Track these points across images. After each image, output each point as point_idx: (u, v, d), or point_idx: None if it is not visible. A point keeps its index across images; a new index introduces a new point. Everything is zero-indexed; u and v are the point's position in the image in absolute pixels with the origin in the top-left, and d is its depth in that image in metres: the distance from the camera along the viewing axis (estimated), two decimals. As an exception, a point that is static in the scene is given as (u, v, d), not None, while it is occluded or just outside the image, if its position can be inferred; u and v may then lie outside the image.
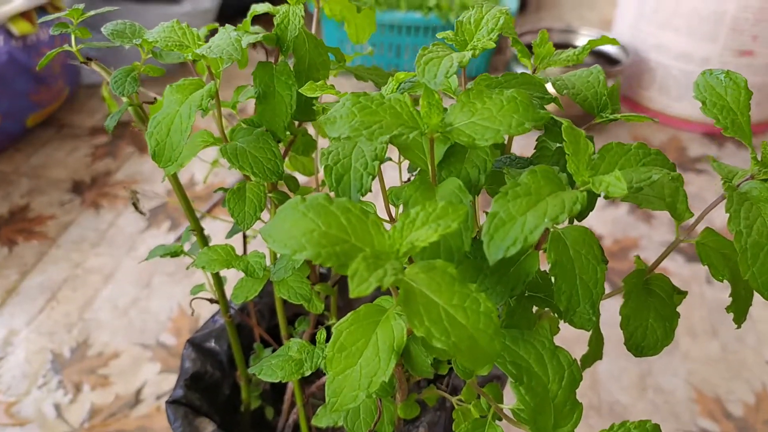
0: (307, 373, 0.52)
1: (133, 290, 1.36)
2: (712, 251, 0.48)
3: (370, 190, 0.43)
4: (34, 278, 1.38)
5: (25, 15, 1.56)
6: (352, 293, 0.35)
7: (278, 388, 0.82)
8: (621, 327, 0.49)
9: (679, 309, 0.51)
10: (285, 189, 0.66)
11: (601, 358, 0.56)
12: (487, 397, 0.50)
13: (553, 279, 0.42)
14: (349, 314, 0.43)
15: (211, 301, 0.69)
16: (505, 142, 0.50)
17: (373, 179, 0.43)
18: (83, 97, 1.95)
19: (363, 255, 0.36)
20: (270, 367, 0.52)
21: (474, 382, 0.51)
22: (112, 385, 1.17)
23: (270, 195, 0.62)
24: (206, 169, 1.67)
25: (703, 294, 1.39)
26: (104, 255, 1.43)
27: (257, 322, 0.81)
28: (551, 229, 0.42)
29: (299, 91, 0.48)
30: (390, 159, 0.68)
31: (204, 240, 0.65)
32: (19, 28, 1.55)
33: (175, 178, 0.58)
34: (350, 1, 0.63)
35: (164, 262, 1.41)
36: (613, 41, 0.56)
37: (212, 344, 0.81)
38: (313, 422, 0.64)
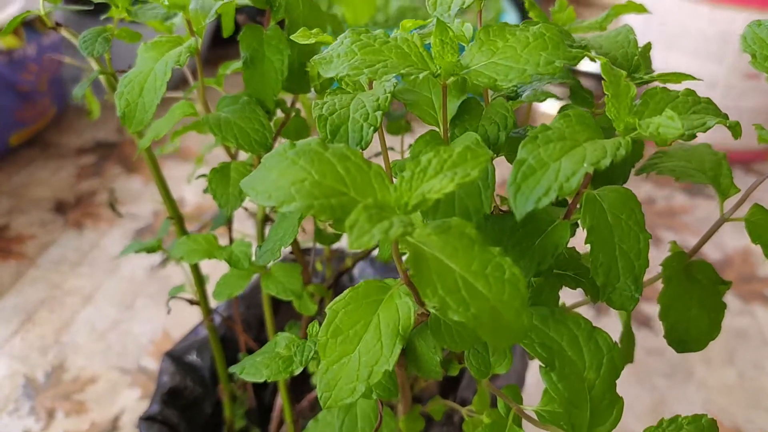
0: (297, 371, 0.45)
1: (113, 312, 1.28)
2: (763, 228, 0.42)
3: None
4: (9, 299, 1.30)
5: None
6: (351, 245, 0.28)
7: (265, 408, 0.74)
8: (660, 318, 0.43)
9: None
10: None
11: (632, 361, 0.49)
12: (505, 398, 0.43)
13: (588, 251, 0.36)
14: (346, 292, 0.37)
15: (192, 302, 0.62)
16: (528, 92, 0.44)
17: (374, 131, 0.36)
18: (71, 118, 1.89)
19: (364, 205, 0.30)
20: (254, 366, 0.45)
21: (489, 383, 0.44)
22: (88, 412, 1.09)
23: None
24: (197, 191, 1.60)
25: (716, 319, 1.32)
26: (85, 276, 1.36)
27: (243, 334, 0.74)
28: (585, 191, 0.36)
29: (292, 38, 0.42)
30: (392, 149, 0.62)
31: (183, 230, 0.58)
32: (5, 42, 1.50)
33: (150, 155, 0.52)
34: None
35: (148, 284, 1.34)
36: (641, 8, 0.51)
37: (193, 357, 0.74)
38: (303, 438, 0.57)
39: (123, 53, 0.62)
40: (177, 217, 0.56)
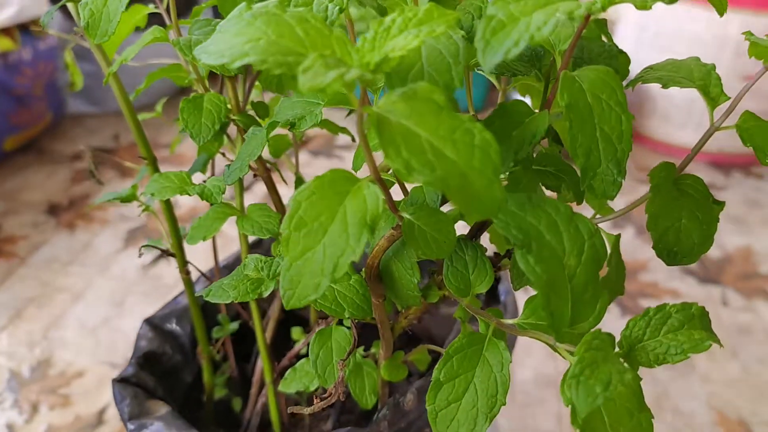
0: (266, 292, 0.42)
1: (104, 309, 1.25)
2: (755, 132, 0.40)
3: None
4: (-3, 296, 1.28)
5: (6, 32, 1.52)
6: (302, 86, 0.26)
7: (248, 379, 0.71)
8: (648, 227, 0.40)
9: None
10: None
11: (622, 293, 0.47)
12: (486, 315, 0.40)
13: (568, 135, 0.34)
14: (310, 181, 0.34)
15: (167, 252, 0.59)
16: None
17: (341, 12, 0.35)
18: (67, 126, 1.89)
19: (320, 53, 0.28)
20: (220, 288, 0.43)
21: (471, 305, 0.42)
22: (73, 405, 1.06)
23: (234, 117, 0.53)
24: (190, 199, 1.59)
25: (719, 316, 1.29)
26: (76, 275, 1.34)
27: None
28: (563, 72, 0.34)
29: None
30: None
31: (156, 169, 0.56)
32: (0, 44, 1.50)
33: (117, 82, 0.50)
34: None
35: (139, 283, 1.31)
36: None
37: (173, 325, 0.71)
38: (281, 388, 0.54)
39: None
40: (150, 157, 0.54)
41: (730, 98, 0.43)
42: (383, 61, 0.30)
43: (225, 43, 0.30)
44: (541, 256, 0.32)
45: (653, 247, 0.40)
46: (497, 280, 0.71)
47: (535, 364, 1.15)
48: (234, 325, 0.65)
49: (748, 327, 1.25)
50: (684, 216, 0.40)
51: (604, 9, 0.29)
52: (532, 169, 0.37)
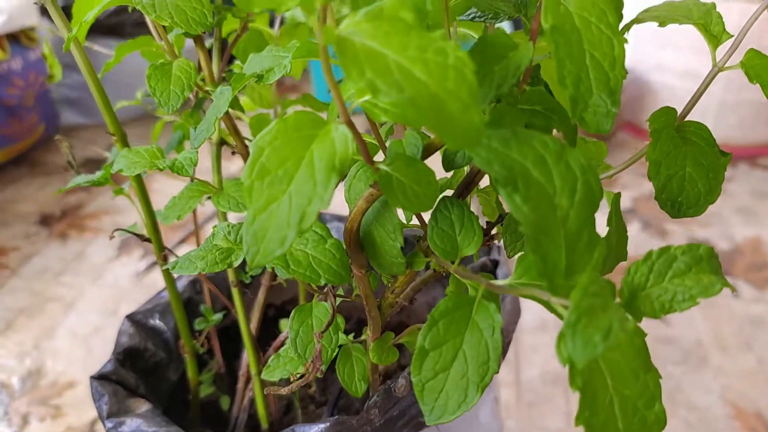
0: (237, 261, 0.39)
1: (96, 319, 1.22)
2: (762, 69, 0.37)
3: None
4: (-13, 308, 1.24)
5: (-5, 41, 1.50)
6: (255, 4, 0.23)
7: (234, 372, 0.68)
8: (649, 176, 0.37)
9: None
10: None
11: (625, 259, 0.43)
12: (476, 278, 0.37)
13: (553, 59, 0.30)
14: (273, 123, 0.31)
15: (142, 238, 0.56)
16: None
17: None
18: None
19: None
20: (188, 259, 0.39)
21: (459, 270, 0.38)
22: (65, 416, 1.03)
23: (208, 88, 0.50)
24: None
25: (731, 307, 1.24)
26: (68, 284, 1.31)
27: (210, 292, 0.68)
28: (547, -6, 0.31)
29: None
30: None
31: (126, 146, 0.53)
32: (-11, 55, 1.49)
33: (79, 49, 0.47)
34: None
35: (133, 291, 1.28)
36: None
37: (156, 321, 0.68)
38: (264, 375, 0.50)
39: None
40: (119, 134, 0.51)
41: (732, 36, 0.39)
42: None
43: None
44: (528, 195, 0.28)
45: (655, 198, 0.37)
46: (495, 264, 0.68)
47: (542, 361, 1.10)
48: (218, 316, 0.62)
49: (761, 318, 1.21)
50: (688, 164, 0.37)
51: None
52: (516, 107, 0.34)
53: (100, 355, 1.14)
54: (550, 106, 0.34)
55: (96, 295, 1.28)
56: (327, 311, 0.43)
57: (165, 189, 1.53)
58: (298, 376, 0.42)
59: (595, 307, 0.27)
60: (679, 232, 1.45)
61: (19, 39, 1.57)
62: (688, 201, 0.37)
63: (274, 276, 0.59)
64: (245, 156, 0.53)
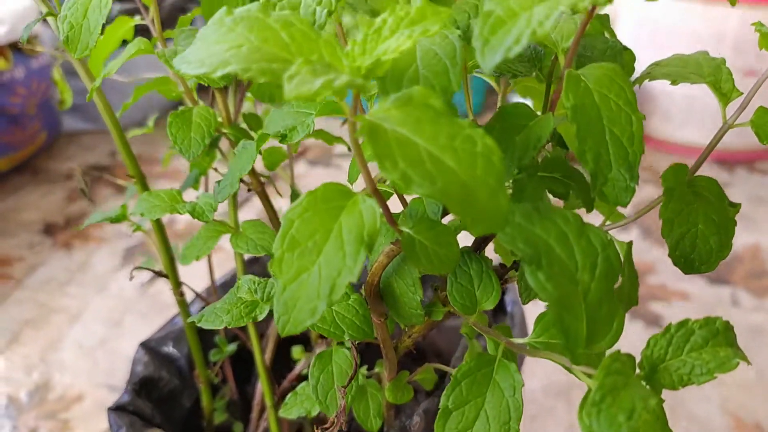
0: (261, 315, 0.40)
1: (102, 330, 1.23)
2: (773, 130, 0.38)
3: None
4: (-7, 321, 1.25)
5: (-2, 51, 1.50)
6: (289, 94, 0.24)
7: (249, 401, 0.69)
8: (663, 234, 0.38)
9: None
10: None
11: (636, 304, 0.44)
12: (495, 334, 0.38)
13: (575, 137, 0.31)
14: (302, 197, 0.32)
15: (158, 273, 0.57)
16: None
17: (329, 15, 0.32)
18: (62, 144, 1.87)
19: (307, 59, 0.26)
20: (213, 313, 0.40)
21: (478, 323, 0.40)
22: (73, 431, 1.03)
23: (225, 130, 0.51)
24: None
25: (730, 317, 1.25)
26: (73, 295, 1.31)
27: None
28: (567, 70, 0.32)
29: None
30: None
31: (146, 188, 0.54)
32: (-8, 64, 1.49)
33: (102, 99, 0.48)
34: None
35: (137, 302, 1.29)
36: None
37: (170, 348, 0.69)
38: (282, 413, 0.52)
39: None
40: (138, 176, 0.52)
41: (742, 93, 0.40)
42: (375, 65, 0.27)
43: (205, 51, 0.28)
44: (551, 272, 0.29)
45: (669, 255, 0.38)
46: (503, 290, 0.69)
47: (545, 372, 1.12)
48: (232, 347, 0.63)
49: (761, 327, 1.23)
50: (700, 221, 0.38)
51: (610, 0, 0.27)
52: (537, 175, 0.35)
53: (106, 367, 1.15)
54: (569, 174, 0.35)
55: (101, 305, 1.29)
56: (347, 358, 0.44)
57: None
58: (321, 427, 0.43)
59: (617, 384, 0.28)
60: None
61: (21, 48, 1.57)
62: (700, 258, 0.38)
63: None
64: (260, 193, 0.54)
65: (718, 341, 0.30)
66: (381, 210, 0.32)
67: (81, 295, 1.31)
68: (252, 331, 0.60)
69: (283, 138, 0.39)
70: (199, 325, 0.41)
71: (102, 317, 1.26)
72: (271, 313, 0.63)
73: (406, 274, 0.41)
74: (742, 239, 1.47)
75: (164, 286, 1.32)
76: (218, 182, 0.43)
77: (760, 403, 1.07)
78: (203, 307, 0.71)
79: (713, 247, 0.38)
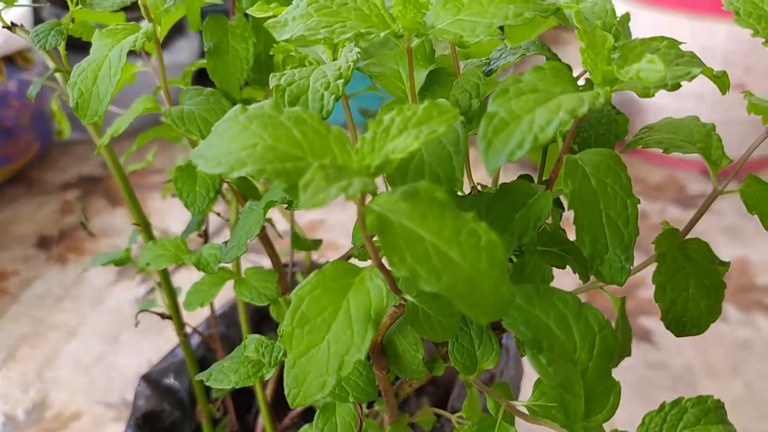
0: (268, 375, 0.41)
1: (98, 346, 1.24)
2: (760, 198, 0.39)
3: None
4: (-10, 337, 1.26)
5: (-9, 64, 1.50)
6: (305, 203, 0.25)
7: (248, 429, 0.70)
8: (655, 299, 0.40)
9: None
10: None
11: (629, 355, 0.46)
12: (494, 395, 0.39)
13: (572, 221, 0.33)
14: (311, 275, 0.34)
15: (163, 316, 0.58)
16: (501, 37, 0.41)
17: (336, 100, 0.34)
18: (55, 154, 1.87)
19: (321, 164, 0.27)
20: (221, 372, 0.42)
21: (476, 381, 0.41)
22: (71, 450, 1.05)
23: (229, 180, 0.52)
24: (182, 220, 1.57)
25: (719, 330, 1.28)
26: (69, 310, 1.32)
27: (224, 354, 0.70)
28: (566, 156, 0.33)
29: (249, 12, 0.39)
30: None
31: (150, 235, 0.55)
32: (-15, 77, 1.49)
33: (109, 152, 0.49)
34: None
35: (133, 317, 1.30)
36: None
37: (171, 380, 0.70)
38: (284, 455, 0.53)
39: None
40: (143, 223, 0.53)
41: (732, 160, 0.42)
42: (384, 164, 0.29)
43: (221, 149, 0.29)
44: (552, 356, 0.31)
45: (661, 319, 0.40)
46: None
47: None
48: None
49: (749, 342, 1.25)
50: (691, 284, 0.40)
51: (607, 101, 0.29)
52: (536, 251, 0.36)
53: (103, 384, 1.16)
54: (566, 248, 0.37)
55: (97, 321, 1.30)
56: (351, 411, 0.45)
57: (160, 207, 1.55)
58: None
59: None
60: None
61: (14, 60, 1.57)
62: (691, 321, 0.40)
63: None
64: (262, 238, 0.55)
65: (710, 419, 0.31)
66: (387, 287, 0.33)
67: (77, 310, 1.32)
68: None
69: (289, 205, 0.40)
70: (207, 383, 0.42)
71: (98, 333, 1.26)
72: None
73: (408, 333, 0.42)
74: (730, 253, 1.49)
75: (159, 301, 1.33)
76: (225, 243, 0.45)
77: (749, 420, 1.09)
78: (202, 341, 0.72)
79: (703, 311, 0.40)
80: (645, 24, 1.76)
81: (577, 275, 0.40)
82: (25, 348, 1.23)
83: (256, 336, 0.43)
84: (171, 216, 1.57)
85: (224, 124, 0.30)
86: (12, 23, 0.50)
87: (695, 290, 0.40)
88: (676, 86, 0.30)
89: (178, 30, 1.87)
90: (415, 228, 0.29)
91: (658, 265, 0.39)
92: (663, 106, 1.79)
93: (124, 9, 0.49)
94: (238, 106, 0.30)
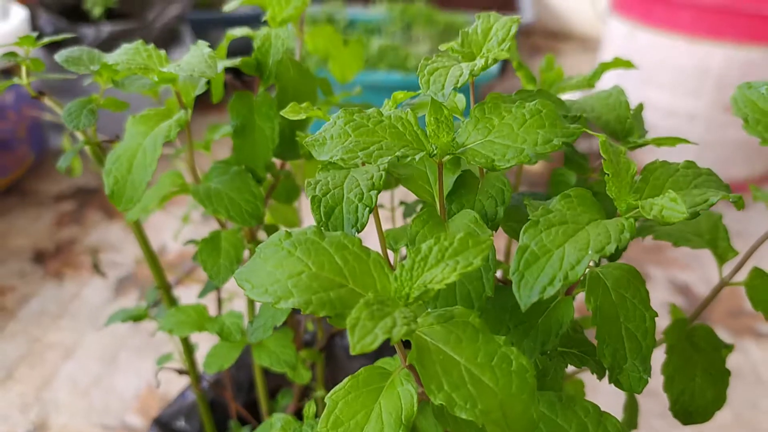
0: (293, 455, 0.43)
1: (96, 367, 1.25)
2: (764, 292, 0.41)
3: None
4: (-12, 355, 1.26)
5: (-11, 78, 1.50)
6: (354, 349, 0.27)
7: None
8: (665, 389, 0.42)
9: None
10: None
11: (636, 428, 0.48)
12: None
13: (594, 330, 0.35)
14: (345, 380, 0.35)
15: (180, 372, 0.60)
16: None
17: (370, 212, 0.35)
18: (50, 164, 1.87)
19: (365, 300, 0.29)
20: (248, 450, 0.43)
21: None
22: (70, 474, 1.06)
23: (249, 246, 0.54)
24: (177, 245, 1.58)
25: (707, 356, 1.31)
26: (66, 329, 1.33)
27: (234, 396, 0.72)
28: (589, 269, 0.35)
29: (281, 114, 0.41)
30: (382, 206, 0.61)
31: (171, 299, 0.56)
32: (-18, 91, 1.48)
33: (137, 227, 0.50)
34: (337, 32, 0.57)
35: (131, 336, 1.31)
36: (628, 64, 0.51)
37: (182, 423, 0.71)
38: None
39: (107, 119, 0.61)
40: (164, 287, 0.55)
41: (738, 253, 0.44)
42: (423, 294, 0.30)
43: (267, 277, 0.31)
44: (574, 465, 0.33)
45: (670, 409, 0.42)
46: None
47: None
48: (245, 430, 0.66)
49: (738, 369, 1.28)
50: (698, 374, 0.42)
51: (632, 236, 0.30)
52: (557, 355, 0.38)
53: (101, 406, 1.17)
54: (585, 350, 0.38)
55: (94, 340, 1.30)
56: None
57: (158, 223, 1.55)
58: None
59: None
60: (661, 276, 1.51)
61: (11, 73, 1.57)
62: (697, 410, 0.42)
63: (301, 397, 0.63)
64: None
65: None
66: (416, 393, 0.35)
67: (74, 329, 1.33)
68: (265, 414, 0.63)
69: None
70: (234, 461, 0.44)
71: (96, 353, 1.27)
72: (278, 402, 0.66)
73: (429, 416, 0.44)
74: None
75: (176, 356, 1.34)
76: (251, 322, 0.46)
77: (735, 449, 1.12)
78: (211, 385, 0.74)
79: (709, 399, 0.42)
80: (645, 44, 1.79)
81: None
82: (23, 368, 1.24)
83: (282, 415, 0.44)
84: (166, 230, 1.58)
85: (268, 249, 0.32)
86: (40, 92, 0.51)
87: (702, 380, 0.42)
88: (695, 215, 0.32)
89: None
90: (450, 352, 0.31)
91: (668, 357, 0.41)
92: (657, 125, 1.82)
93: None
94: (282, 231, 0.32)
